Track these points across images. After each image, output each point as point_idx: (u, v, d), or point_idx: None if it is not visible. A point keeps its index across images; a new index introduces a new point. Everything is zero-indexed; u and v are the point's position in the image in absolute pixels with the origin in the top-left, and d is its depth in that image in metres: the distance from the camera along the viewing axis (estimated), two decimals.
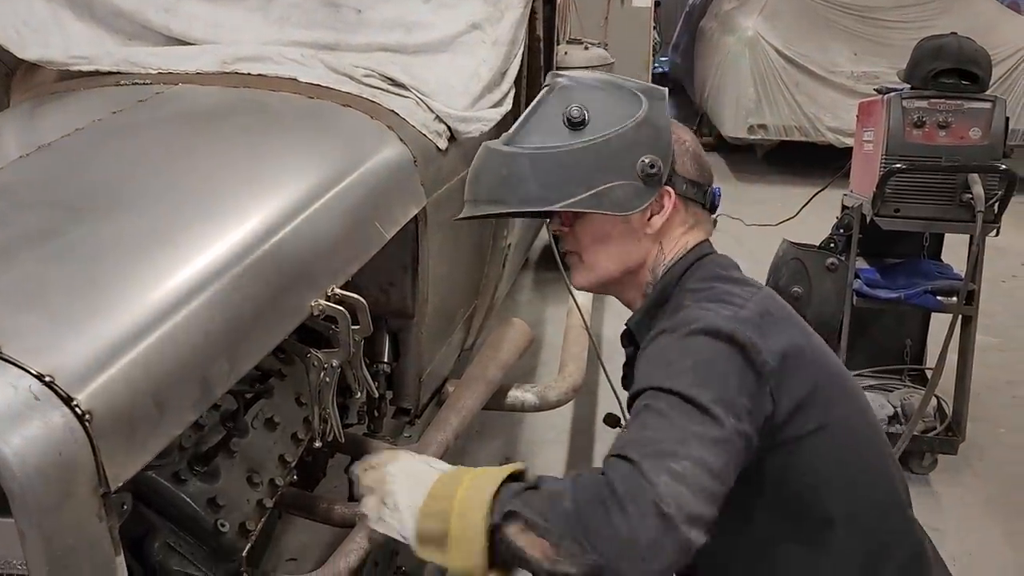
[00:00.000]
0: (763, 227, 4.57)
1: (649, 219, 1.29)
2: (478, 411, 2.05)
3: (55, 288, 1.02)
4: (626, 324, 1.37)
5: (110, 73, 1.87)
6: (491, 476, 1.03)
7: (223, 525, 1.37)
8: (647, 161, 1.24)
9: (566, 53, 3.53)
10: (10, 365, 0.88)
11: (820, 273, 2.77)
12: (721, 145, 7.17)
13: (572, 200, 1.23)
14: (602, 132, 1.25)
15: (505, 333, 2.23)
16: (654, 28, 10.36)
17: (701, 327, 1.12)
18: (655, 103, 1.29)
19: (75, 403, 0.89)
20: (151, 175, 1.36)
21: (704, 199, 1.33)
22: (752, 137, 6.41)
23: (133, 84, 1.79)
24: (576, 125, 1.25)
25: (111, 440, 0.92)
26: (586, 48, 3.58)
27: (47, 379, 0.88)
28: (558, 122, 1.26)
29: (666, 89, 1.36)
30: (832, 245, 2.84)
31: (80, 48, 1.91)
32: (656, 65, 10.60)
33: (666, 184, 1.27)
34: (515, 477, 1.05)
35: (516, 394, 2.23)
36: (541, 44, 3.20)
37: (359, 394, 1.55)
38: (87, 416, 0.90)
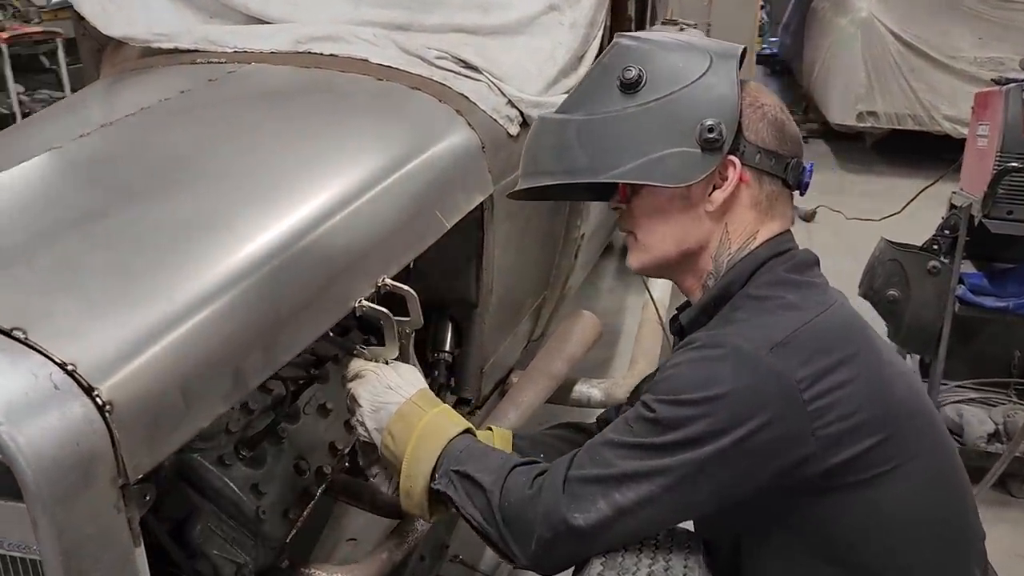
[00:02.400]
0: (865, 222, 4.33)
1: (711, 194, 1.15)
2: (539, 405, 1.99)
3: (91, 273, 1.01)
4: (677, 310, 1.26)
5: (189, 51, 1.88)
6: (434, 439, 1.17)
7: (263, 512, 1.37)
8: (707, 125, 1.10)
9: None
10: (33, 351, 0.87)
11: (920, 276, 2.58)
12: (827, 132, 6.84)
13: (620, 170, 1.13)
14: (658, 94, 1.13)
15: (573, 326, 2.16)
16: (763, 7, 10.00)
17: (734, 350, 1.02)
18: (722, 61, 1.15)
19: (96, 393, 0.88)
20: (208, 157, 1.35)
21: (785, 174, 1.16)
22: (861, 125, 6.07)
23: (208, 62, 1.79)
24: (630, 87, 1.14)
25: (133, 431, 0.91)
26: (681, 29, 3.44)
27: (69, 367, 0.87)
28: (613, 85, 1.15)
29: (742, 47, 1.21)
30: (935, 247, 2.65)
31: (162, 26, 1.92)
32: (765, 46, 10.24)
33: (732, 153, 1.13)
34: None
35: (582, 389, 2.17)
36: (632, 25, 3.09)
37: None
38: (107, 407, 0.88)
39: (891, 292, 2.60)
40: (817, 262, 1.20)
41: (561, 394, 2.14)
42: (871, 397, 1.04)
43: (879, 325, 2.78)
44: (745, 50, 1.22)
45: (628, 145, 1.13)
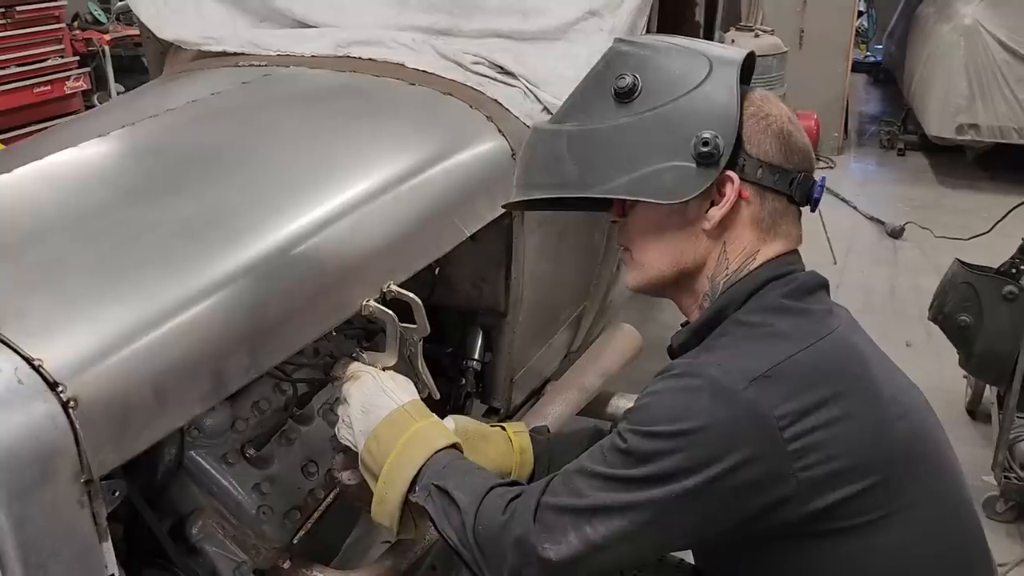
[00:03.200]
0: (953, 240, 4.10)
1: (707, 211, 1.09)
2: (569, 418, 1.95)
3: (75, 272, 1.03)
4: (675, 333, 1.19)
5: (236, 54, 1.93)
6: (421, 448, 1.14)
7: (264, 512, 1.37)
8: (702, 138, 1.04)
9: (733, 41, 3.30)
10: (2, 346, 0.89)
11: (995, 302, 2.41)
12: (927, 145, 6.51)
13: (611, 185, 1.08)
14: (652, 104, 1.07)
15: (611, 338, 2.11)
16: (868, 12, 9.60)
17: (711, 382, 0.96)
18: (723, 68, 1.08)
19: (60, 389, 0.89)
20: (219, 158, 1.37)
21: (790, 190, 1.09)
22: (960, 138, 5.73)
23: (250, 65, 1.83)
24: (624, 96, 1.08)
25: (98, 428, 0.92)
26: (756, 35, 3.33)
27: (36, 363, 0.89)
28: (608, 94, 1.10)
29: (746, 51, 1.14)
30: (1014, 271, 2.47)
31: (212, 29, 1.98)
32: (868, 54, 9.85)
33: (730, 167, 1.06)
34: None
35: (618, 403, 2.11)
36: (701, 32, 3.01)
37: (422, 393, 1.50)
38: (71, 403, 0.90)
39: (962, 317, 2.43)
40: (823, 286, 1.11)
41: (596, 407, 2.09)
42: (861, 438, 0.97)
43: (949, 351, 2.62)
44: (752, 56, 1.15)
45: (620, 158, 1.08)
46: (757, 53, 3.56)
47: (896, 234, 4.76)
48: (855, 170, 6.27)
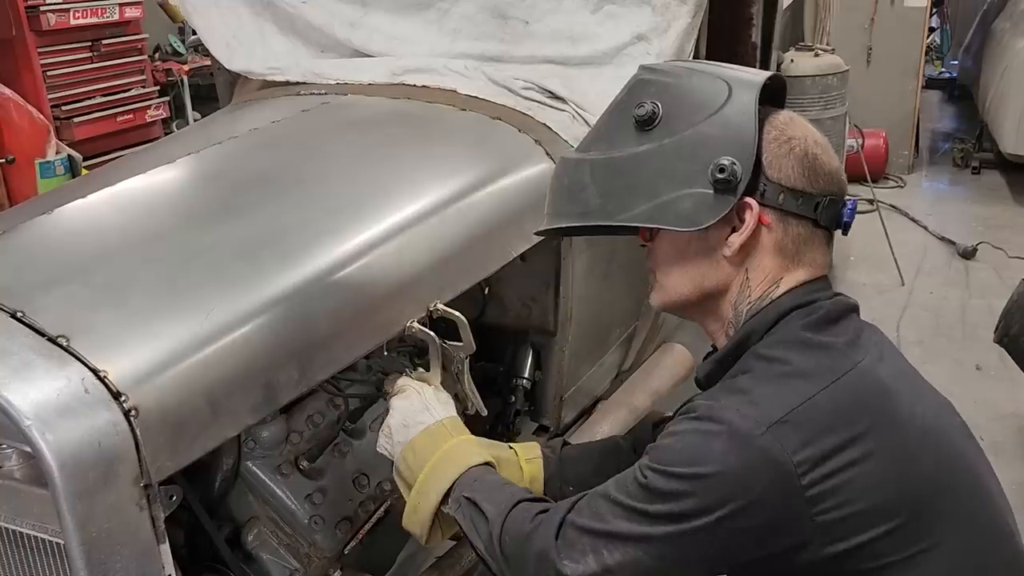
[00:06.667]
0: None
1: (728, 237, 1.08)
2: None
3: (141, 289, 1.11)
4: (701, 364, 1.19)
5: (298, 83, 2.02)
6: (455, 462, 1.19)
7: (316, 522, 1.43)
8: (719, 164, 1.03)
9: (792, 61, 3.28)
10: (72, 357, 0.97)
11: None
12: (1002, 162, 6.32)
13: (631, 213, 1.09)
14: (672, 131, 1.08)
15: (661, 359, 2.12)
16: (942, 28, 9.38)
17: (729, 428, 0.96)
18: (742, 92, 1.07)
19: (123, 399, 0.96)
20: (278, 183, 1.44)
21: (815, 214, 1.07)
22: None
23: (310, 94, 1.91)
24: (645, 124, 1.09)
25: (157, 436, 0.99)
26: (816, 55, 3.30)
27: (101, 374, 0.96)
28: (629, 122, 1.11)
29: (768, 73, 1.12)
30: None
31: (277, 60, 2.07)
32: (943, 70, 9.62)
33: (750, 193, 1.05)
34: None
35: None
36: (757, 52, 3.01)
37: (469, 410, 1.54)
38: (132, 412, 0.96)
39: None
40: (847, 313, 1.09)
41: None
42: (885, 477, 0.96)
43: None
44: (778, 77, 1.15)
45: (640, 186, 1.09)
46: (817, 73, 3.53)
47: (968, 254, 4.63)
48: (926, 189, 6.12)
